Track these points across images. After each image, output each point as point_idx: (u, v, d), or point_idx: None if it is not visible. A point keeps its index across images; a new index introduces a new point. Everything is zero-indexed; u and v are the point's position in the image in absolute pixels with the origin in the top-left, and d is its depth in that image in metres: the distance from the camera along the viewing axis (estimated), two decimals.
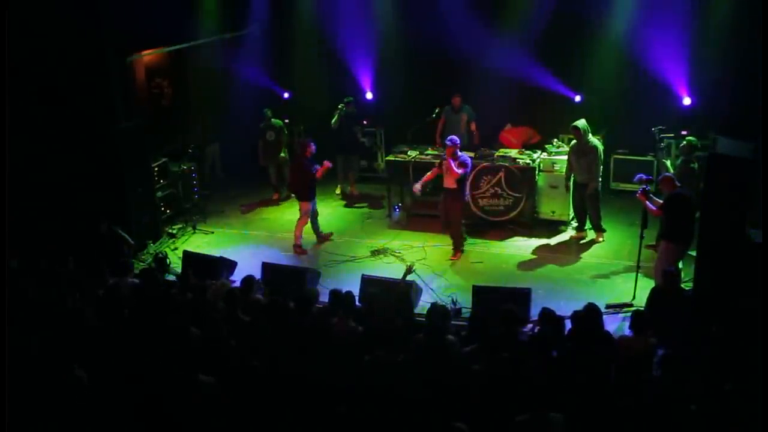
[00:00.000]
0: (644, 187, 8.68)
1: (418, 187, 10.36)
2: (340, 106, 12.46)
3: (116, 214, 10.22)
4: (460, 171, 9.89)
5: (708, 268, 7.95)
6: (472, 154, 11.51)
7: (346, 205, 12.70)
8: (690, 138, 9.83)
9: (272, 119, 12.76)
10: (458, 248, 10.34)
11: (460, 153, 10.07)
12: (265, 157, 12.93)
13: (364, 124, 13.30)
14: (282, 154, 12.96)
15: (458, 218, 10.26)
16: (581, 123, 10.25)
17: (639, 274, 8.88)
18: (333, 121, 12.44)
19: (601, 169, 10.38)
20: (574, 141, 10.47)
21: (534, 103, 12.44)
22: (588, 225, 10.76)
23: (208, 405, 5.55)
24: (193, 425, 5.46)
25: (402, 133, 12.21)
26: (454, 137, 10.23)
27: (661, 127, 10.58)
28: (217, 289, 8.04)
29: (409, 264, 8.78)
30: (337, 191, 13.05)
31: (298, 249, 10.71)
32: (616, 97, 11.77)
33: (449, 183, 10.07)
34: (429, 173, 10.37)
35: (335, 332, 6.85)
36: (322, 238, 11.03)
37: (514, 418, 5.22)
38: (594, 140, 10.32)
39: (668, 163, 10.20)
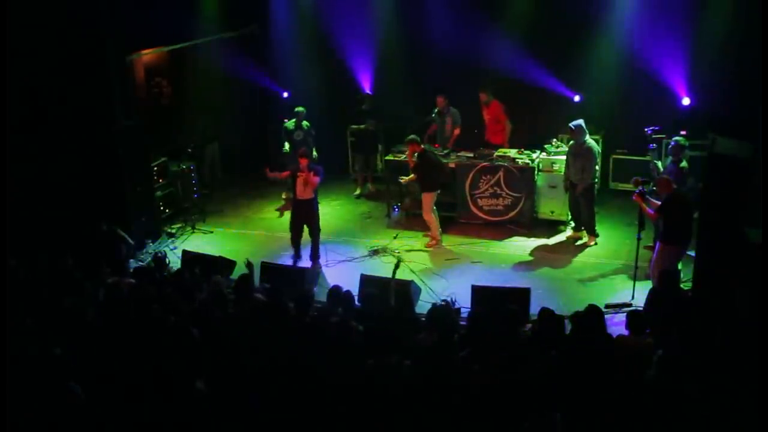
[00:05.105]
0: (640, 188, 8.68)
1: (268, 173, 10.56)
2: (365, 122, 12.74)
3: (115, 213, 10.22)
4: (317, 179, 10.00)
5: (707, 269, 7.95)
6: (470, 154, 11.53)
7: (358, 195, 12.89)
8: (678, 138, 9.83)
9: (304, 121, 12.49)
10: (315, 258, 10.31)
11: (313, 165, 10.23)
12: (292, 157, 12.64)
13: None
14: (315, 154, 12.94)
15: (316, 226, 10.30)
16: (575, 123, 10.25)
17: (637, 274, 8.88)
18: (363, 126, 12.71)
19: (597, 171, 10.32)
20: (572, 141, 10.48)
21: (533, 102, 12.45)
22: None
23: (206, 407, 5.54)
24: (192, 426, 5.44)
25: (402, 132, 12.19)
26: (305, 149, 10.34)
27: (654, 127, 10.57)
28: (212, 288, 8.00)
29: (397, 259, 8.76)
30: (357, 192, 12.98)
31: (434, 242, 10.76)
32: (615, 96, 11.76)
33: (307, 194, 10.08)
34: (283, 173, 10.50)
35: (337, 332, 6.82)
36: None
37: (513, 419, 5.21)
38: (591, 142, 10.29)
39: (659, 164, 10.19)
